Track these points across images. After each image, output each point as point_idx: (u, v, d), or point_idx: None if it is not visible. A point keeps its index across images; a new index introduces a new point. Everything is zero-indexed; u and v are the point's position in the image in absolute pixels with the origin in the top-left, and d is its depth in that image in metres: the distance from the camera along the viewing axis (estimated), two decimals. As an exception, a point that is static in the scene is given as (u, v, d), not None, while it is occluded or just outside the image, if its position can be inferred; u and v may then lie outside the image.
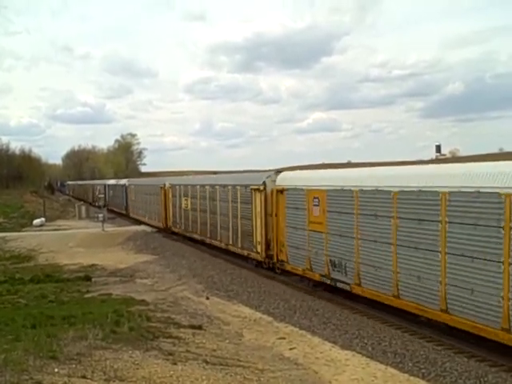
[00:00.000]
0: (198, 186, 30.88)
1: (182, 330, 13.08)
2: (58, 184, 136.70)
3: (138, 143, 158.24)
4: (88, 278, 22.07)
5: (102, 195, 60.15)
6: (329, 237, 17.14)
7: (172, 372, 9.26)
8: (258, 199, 22.04)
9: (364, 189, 15.25)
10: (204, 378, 9.26)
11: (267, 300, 17.94)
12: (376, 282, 14.86)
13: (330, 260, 17.08)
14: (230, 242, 25.57)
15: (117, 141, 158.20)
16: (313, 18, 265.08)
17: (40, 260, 29.00)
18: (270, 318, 15.56)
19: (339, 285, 16.76)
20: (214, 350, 11.47)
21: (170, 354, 10.44)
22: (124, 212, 53.91)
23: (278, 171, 22.10)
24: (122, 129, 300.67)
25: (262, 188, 21.73)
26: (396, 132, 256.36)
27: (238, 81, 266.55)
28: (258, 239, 22.19)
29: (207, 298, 18.05)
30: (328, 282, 17.40)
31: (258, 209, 22.10)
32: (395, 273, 14.00)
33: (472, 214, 11.52)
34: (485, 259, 11.22)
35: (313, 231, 18.09)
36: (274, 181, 21.15)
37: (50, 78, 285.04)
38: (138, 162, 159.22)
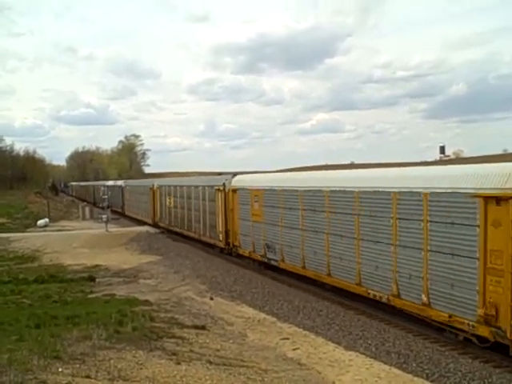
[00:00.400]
0: (178, 187, 35.76)
1: (185, 330, 13.08)
2: (62, 185, 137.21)
3: (142, 144, 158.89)
4: (92, 279, 22.10)
5: (106, 196, 60.18)
6: (265, 226, 22.04)
7: (176, 372, 9.26)
8: (220, 197, 26.87)
9: (286, 189, 20.40)
10: (207, 378, 9.26)
11: (271, 300, 17.93)
12: (292, 258, 19.84)
13: (266, 244, 21.96)
14: (202, 233, 30.44)
15: (120, 142, 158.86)
16: (316, 19, 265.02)
17: (44, 260, 29.05)
18: (274, 319, 15.55)
19: (272, 262, 21.61)
20: (218, 350, 11.47)
21: (174, 354, 10.43)
22: (120, 210, 57.24)
23: (235, 174, 26.90)
24: (125, 130, 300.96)
25: (222, 188, 26.48)
26: (399, 133, 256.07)
27: (241, 82, 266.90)
28: (220, 230, 27.06)
29: (211, 299, 18.05)
30: (265, 260, 22.22)
31: (220, 205, 26.94)
32: (302, 250, 19.00)
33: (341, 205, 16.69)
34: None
35: (254, 222, 23.08)
36: (231, 182, 25.92)
37: (54, 79, 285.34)
38: (142, 163, 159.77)
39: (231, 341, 12.64)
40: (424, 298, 13.17)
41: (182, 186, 35.06)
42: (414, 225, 13.46)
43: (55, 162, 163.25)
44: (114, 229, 40.91)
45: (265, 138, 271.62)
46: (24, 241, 36.32)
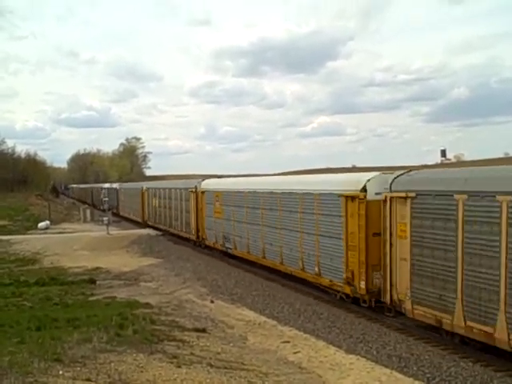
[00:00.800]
0: (162, 189, 41.26)
1: (186, 333, 13.07)
2: (62, 187, 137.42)
3: (143, 147, 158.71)
4: (92, 281, 22.09)
5: (107, 198, 60.30)
6: (223, 221, 27.26)
7: (176, 375, 9.26)
8: (192, 198, 32.09)
9: (236, 191, 25.72)
10: (208, 381, 9.25)
11: (271, 304, 17.93)
12: (241, 246, 25.00)
13: (224, 235, 27.13)
14: (180, 229, 35.57)
15: (121, 144, 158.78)
16: (317, 22, 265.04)
17: (45, 263, 29.02)
18: (275, 322, 15.54)
19: (228, 250, 26.70)
20: (219, 354, 11.46)
21: (175, 357, 10.43)
22: (115, 211, 59.92)
23: (204, 179, 32.70)
24: (126, 132, 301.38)
25: (194, 190, 31.78)
26: (400, 136, 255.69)
27: (242, 85, 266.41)
28: (193, 226, 32.26)
29: (212, 302, 18.04)
30: (224, 249, 27.30)
31: (193, 205, 32.15)
32: (247, 239, 24.16)
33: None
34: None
35: (216, 218, 28.30)
36: (200, 185, 31.16)
37: (56, 83, 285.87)
38: (143, 166, 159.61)
39: (232, 344, 12.63)
40: (316, 270, 18.32)
41: (164, 189, 40.58)
42: (310, 217, 18.67)
43: (56, 165, 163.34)
44: (114, 231, 40.90)
45: (266, 141, 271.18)
46: (25, 243, 36.33)
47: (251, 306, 17.79)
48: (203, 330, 13.48)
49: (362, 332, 14.39)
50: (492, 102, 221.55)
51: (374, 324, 15.02)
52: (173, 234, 37.45)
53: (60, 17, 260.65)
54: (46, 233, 43.39)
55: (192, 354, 11.06)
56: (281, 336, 13.96)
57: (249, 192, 24.06)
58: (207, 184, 30.78)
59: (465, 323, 11.87)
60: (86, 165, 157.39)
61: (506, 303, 10.80)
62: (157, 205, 41.92)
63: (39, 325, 13.06)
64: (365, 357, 12.36)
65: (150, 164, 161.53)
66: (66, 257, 30.56)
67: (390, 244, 14.56)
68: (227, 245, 26.67)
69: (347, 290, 16.49)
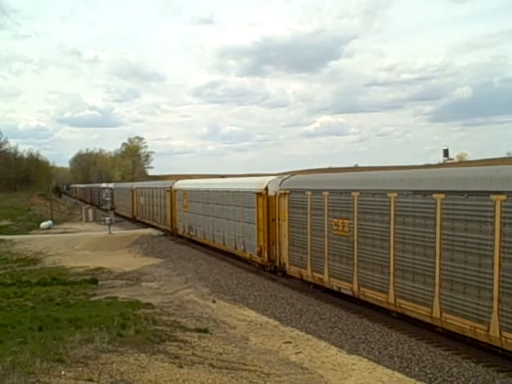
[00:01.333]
0: (146, 188, 47.52)
1: (188, 333, 13.08)
2: (64, 187, 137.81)
3: (146, 147, 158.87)
4: (94, 281, 22.13)
5: (109, 198, 60.42)
6: (189, 214, 33.52)
7: (178, 375, 9.27)
8: (168, 196, 37.93)
9: (196, 190, 32.50)
10: (210, 381, 9.26)
11: (273, 304, 17.92)
12: (199, 233, 31.42)
13: (189, 226, 33.63)
14: (159, 222, 41.26)
15: (124, 144, 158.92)
16: (321, 22, 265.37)
17: (47, 263, 29.09)
18: (276, 322, 15.54)
19: (192, 237, 33.07)
20: (220, 354, 11.47)
21: (176, 358, 10.44)
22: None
23: (177, 180, 39.51)
24: (129, 132, 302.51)
25: (169, 189, 37.97)
26: (403, 136, 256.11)
27: (245, 85, 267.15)
28: (168, 219, 38.09)
29: (213, 302, 18.05)
30: (189, 236, 33.76)
31: (168, 201, 37.94)
32: (203, 228, 30.51)
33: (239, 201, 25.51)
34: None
35: (184, 212, 34.52)
36: (174, 185, 37.45)
37: (59, 82, 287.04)
38: (146, 166, 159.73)
39: (233, 344, 12.64)
40: (242, 247, 24.71)
41: (147, 188, 47.33)
42: (239, 208, 24.99)
43: (59, 165, 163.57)
44: (116, 231, 40.96)
45: (269, 140, 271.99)
46: (27, 243, 36.41)
47: (253, 306, 17.79)
48: (205, 331, 13.49)
49: (364, 332, 14.37)
50: (495, 102, 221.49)
51: (375, 324, 15.00)
52: (154, 227, 42.84)
53: (63, 16, 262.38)
54: (48, 233, 43.49)
55: (194, 354, 11.07)
56: (283, 336, 13.96)
57: (204, 190, 30.84)
58: (178, 184, 37.39)
59: (312, 274, 18.51)
60: (88, 165, 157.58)
61: (311, 257, 18.59)
62: (143, 202, 48.04)
63: (41, 325, 13.09)
64: (367, 357, 12.35)
65: (152, 164, 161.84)
66: (68, 257, 30.63)
67: (279, 226, 21.11)
68: (191, 233, 33.34)
69: (259, 260, 22.93)
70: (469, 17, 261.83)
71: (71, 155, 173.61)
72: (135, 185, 54.74)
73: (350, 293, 16.38)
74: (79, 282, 22.12)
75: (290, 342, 13.32)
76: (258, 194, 22.60)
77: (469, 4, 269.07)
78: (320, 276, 17.92)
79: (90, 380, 8.46)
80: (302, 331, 14.57)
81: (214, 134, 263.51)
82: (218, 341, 12.72)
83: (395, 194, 14.13)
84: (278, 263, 21.30)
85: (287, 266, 20.23)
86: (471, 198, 11.63)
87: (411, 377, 11.14)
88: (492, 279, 11.06)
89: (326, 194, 17.54)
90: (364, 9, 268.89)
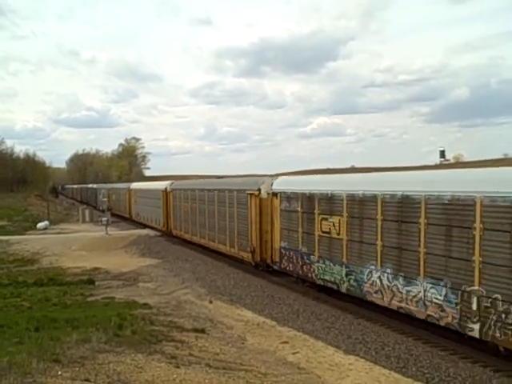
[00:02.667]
0: (140, 190, 50.30)
1: (184, 333, 13.07)
2: (60, 187, 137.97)
3: (143, 147, 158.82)
4: (91, 282, 22.09)
5: (106, 199, 60.45)
6: (142, 207, 44.52)
7: (175, 376, 9.25)
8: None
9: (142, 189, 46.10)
10: (207, 381, 9.25)
11: (270, 304, 17.92)
12: (148, 220, 42.14)
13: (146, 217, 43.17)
14: (149, 221, 44.48)
15: (121, 145, 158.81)
16: (318, 22, 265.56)
17: (43, 263, 29.02)
18: (273, 322, 15.54)
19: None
20: (217, 354, 11.46)
21: (173, 358, 10.42)
22: (95, 205, 71.85)
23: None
24: (126, 133, 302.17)
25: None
26: (400, 137, 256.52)
27: (243, 85, 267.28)
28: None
29: (210, 302, 18.03)
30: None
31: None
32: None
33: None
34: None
35: (142, 205, 45.23)
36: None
37: (56, 82, 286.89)
38: (142, 166, 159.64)
39: (230, 344, 12.63)
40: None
41: (141, 189, 50.00)
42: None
43: (56, 165, 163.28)
44: (113, 232, 40.92)
45: (266, 141, 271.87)
46: (24, 243, 36.34)
47: (250, 306, 17.79)
48: (202, 331, 13.47)
49: (361, 333, 14.39)
50: (492, 103, 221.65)
51: (372, 324, 15.02)
52: (148, 225, 44.99)
53: (61, 16, 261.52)
54: (45, 233, 43.41)
55: (191, 354, 11.05)
56: (280, 336, 13.95)
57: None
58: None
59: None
60: (85, 165, 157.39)
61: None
62: (138, 202, 50.83)
63: (38, 325, 13.04)
64: (364, 357, 12.37)
65: (149, 164, 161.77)
66: (64, 257, 30.57)
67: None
68: (145, 222, 43.85)
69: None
70: (466, 18, 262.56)
71: (68, 156, 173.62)
72: (132, 186, 56.80)
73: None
74: (76, 283, 22.07)
75: (287, 342, 13.32)
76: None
77: (467, 5, 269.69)
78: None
79: (87, 380, 8.44)
80: (299, 331, 14.58)
81: (211, 135, 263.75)
82: (215, 341, 12.71)
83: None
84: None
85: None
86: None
87: (408, 377, 11.16)
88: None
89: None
90: (362, 10, 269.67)
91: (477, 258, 11.46)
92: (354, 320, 15.61)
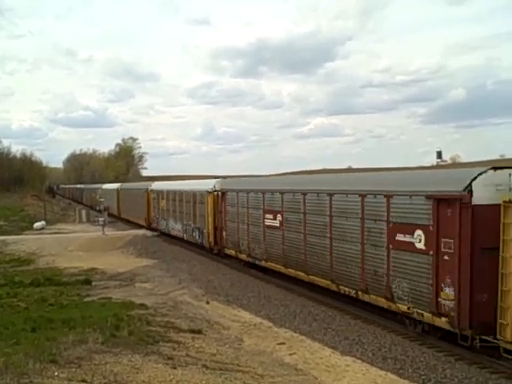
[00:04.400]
0: (128, 190, 53.62)
1: (181, 334, 13.07)
2: (55, 188, 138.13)
3: (140, 147, 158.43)
4: (88, 282, 22.05)
5: (103, 199, 60.39)
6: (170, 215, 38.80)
7: (172, 376, 9.26)
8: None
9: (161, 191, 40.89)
10: (204, 382, 9.26)
11: (267, 305, 17.93)
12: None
13: (155, 217, 41.97)
14: (136, 217, 47.32)
15: (117, 145, 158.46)
16: (316, 23, 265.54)
17: (40, 263, 28.97)
18: (270, 323, 15.54)
19: (162, 230, 39.20)
20: (214, 355, 11.46)
21: (170, 359, 10.43)
22: (81, 201, 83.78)
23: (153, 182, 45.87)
24: (123, 133, 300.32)
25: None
26: (397, 138, 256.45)
27: (240, 85, 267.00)
28: (145, 215, 43.57)
29: (207, 303, 18.03)
30: (155, 227, 41.44)
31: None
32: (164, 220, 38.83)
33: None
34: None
35: (171, 212, 39.36)
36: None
37: (53, 82, 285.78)
38: (139, 166, 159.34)
39: (227, 345, 12.63)
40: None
41: (129, 189, 53.08)
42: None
43: (52, 165, 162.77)
44: (110, 232, 40.86)
45: (263, 141, 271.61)
46: (20, 243, 36.25)
47: (247, 307, 17.79)
48: (199, 332, 13.48)
49: (358, 334, 14.40)
50: (489, 104, 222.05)
51: (369, 326, 15.03)
52: (134, 223, 48.66)
53: (59, 15, 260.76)
54: (41, 233, 43.29)
55: (187, 355, 11.06)
56: (276, 337, 13.95)
57: (169, 191, 37.32)
58: (155, 185, 44.10)
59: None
60: (81, 165, 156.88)
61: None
62: (126, 201, 52.77)
63: (34, 326, 13.03)
64: (360, 358, 12.38)
65: (146, 164, 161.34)
66: (61, 257, 30.51)
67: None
68: (157, 226, 41.20)
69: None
70: (464, 19, 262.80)
71: (65, 155, 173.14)
72: (121, 186, 59.28)
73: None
74: (73, 283, 22.03)
75: (283, 343, 13.32)
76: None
77: (464, 6, 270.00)
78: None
79: (84, 381, 8.44)
80: (295, 332, 14.58)
81: (208, 135, 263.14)
82: (212, 342, 12.71)
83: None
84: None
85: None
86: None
87: (405, 378, 11.17)
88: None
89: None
90: (360, 10, 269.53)
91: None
92: (350, 321, 15.62)
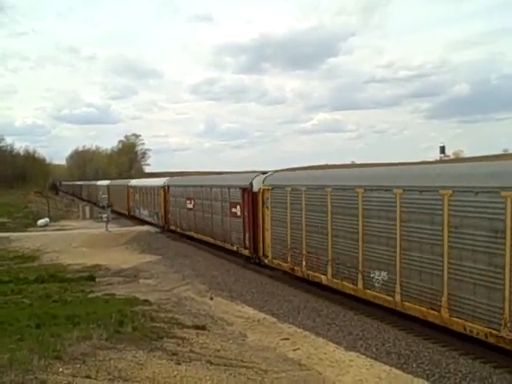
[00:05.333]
0: (115, 186, 60.59)
1: (185, 330, 13.08)
2: (57, 184, 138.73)
3: (142, 144, 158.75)
4: (92, 278, 22.10)
5: (106, 195, 60.51)
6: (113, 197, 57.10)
7: (176, 372, 9.26)
8: (126, 191, 49.17)
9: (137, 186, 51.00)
10: (208, 378, 9.25)
11: (271, 300, 17.94)
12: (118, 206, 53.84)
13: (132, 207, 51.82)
14: (121, 207, 54.98)
15: (120, 141, 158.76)
16: (319, 18, 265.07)
17: (44, 260, 29.06)
18: (274, 319, 15.55)
19: (142, 218, 46.60)
20: (218, 351, 11.47)
21: (174, 354, 10.43)
22: (80, 196, 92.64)
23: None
24: (126, 129, 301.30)
25: (126, 186, 52.45)
26: (400, 133, 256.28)
27: (243, 82, 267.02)
28: (126, 206, 52.88)
29: (211, 299, 18.05)
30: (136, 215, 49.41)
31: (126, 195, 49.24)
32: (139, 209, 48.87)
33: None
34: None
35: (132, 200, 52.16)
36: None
37: (56, 79, 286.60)
38: (142, 163, 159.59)
39: (231, 341, 12.64)
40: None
41: (139, 186, 53.26)
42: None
43: (56, 162, 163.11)
44: (113, 228, 40.92)
45: (266, 137, 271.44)
46: (24, 240, 36.34)
47: (250, 302, 17.81)
48: (202, 327, 13.49)
49: (362, 329, 14.41)
50: (492, 99, 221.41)
51: (373, 321, 15.03)
52: (120, 213, 55.19)
53: (61, 13, 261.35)
54: (45, 230, 43.38)
55: (191, 351, 11.06)
56: (280, 333, 13.96)
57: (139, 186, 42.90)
58: (133, 182, 49.36)
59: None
60: (85, 162, 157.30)
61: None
62: (138, 198, 53.72)
63: (39, 322, 13.05)
64: (364, 354, 12.37)
65: (149, 161, 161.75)
66: (65, 254, 30.59)
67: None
68: (138, 214, 48.75)
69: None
70: (467, 14, 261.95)
71: (68, 152, 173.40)
72: (132, 182, 59.55)
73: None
74: (76, 279, 22.08)
75: (287, 339, 13.33)
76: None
77: (467, 1, 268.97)
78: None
79: (88, 377, 8.45)
80: (299, 328, 14.58)
81: (211, 131, 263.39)
82: (216, 337, 12.72)
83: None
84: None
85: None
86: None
87: (408, 373, 11.17)
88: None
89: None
90: (362, 5, 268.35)
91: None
92: (354, 316, 15.62)
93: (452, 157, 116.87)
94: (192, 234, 32.50)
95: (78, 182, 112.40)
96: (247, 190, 23.56)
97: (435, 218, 12.46)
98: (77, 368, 8.81)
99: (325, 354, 12.17)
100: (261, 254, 22.46)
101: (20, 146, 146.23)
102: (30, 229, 45.00)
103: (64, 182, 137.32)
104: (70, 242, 34.87)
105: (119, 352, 10.06)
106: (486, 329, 11.22)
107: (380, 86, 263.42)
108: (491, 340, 11.19)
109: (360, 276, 15.42)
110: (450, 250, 12.08)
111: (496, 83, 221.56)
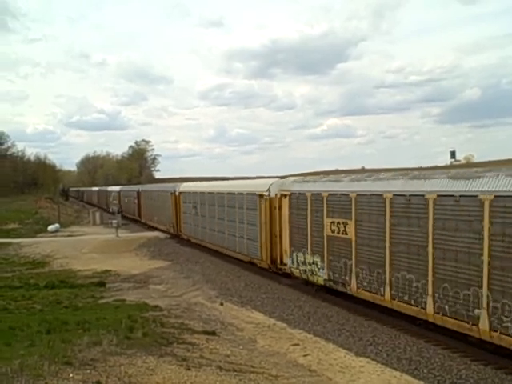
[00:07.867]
0: (131, 191, 60.82)
1: (195, 335, 13.08)
2: (66, 190, 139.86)
3: (152, 149, 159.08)
4: (102, 284, 22.18)
5: (116, 201, 60.79)
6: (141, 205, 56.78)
7: (186, 378, 9.27)
8: (117, 196, 58.71)
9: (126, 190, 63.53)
10: (218, 383, 9.25)
11: (281, 306, 17.90)
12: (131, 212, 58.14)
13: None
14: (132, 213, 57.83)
15: (131, 147, 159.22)
16: (329, 24, 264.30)
17: (54, 266, 29.20)
18: (284, 325, 15.51)
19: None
20: (228, 356, 11.46)
21: (184, 360, 10.43)
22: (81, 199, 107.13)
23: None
24: (136, 135, 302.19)
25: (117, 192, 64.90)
26: (411, 138, 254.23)
27: (253, 87, 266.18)
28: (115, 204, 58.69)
29: (221, 304, 18.04)
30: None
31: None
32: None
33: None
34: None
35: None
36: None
37: (66, 85, 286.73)
38: (152, 169, 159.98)
39: (241, 347, 12.62)
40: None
41: (134, 191, 58.72)
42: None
43: (66, 168, 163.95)
44: (123, 234, 41.06)
45: (276, 143, 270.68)
46: (35, 246, 36.55)
47: (260, 308, 17.78)
48: (213, 333, 13.48)
49: (372, 335, 14.33)
50: (503, 103, 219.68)
51: (384, 327, 14.96)
52: (138, 221, 55.22)
53: (72, 19, 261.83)
54: (55, 236, 43.63)
55: (201, 356, 11.06)
56: (290, 339, 13.93)
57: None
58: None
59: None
60: (95, 168, 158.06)
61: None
62: (142, 202, 55.08)
63: (49, 328, 13.11)
64: (375, 359, 12.31)
65: (159, 167, 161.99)
66: (75, 260, 30.71)
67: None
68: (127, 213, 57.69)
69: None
70: (477, 18, 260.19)
71: (79, 158, 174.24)
72: (142, 188, 60.74)
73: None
74: (87, 285, 22.17)
75: (297, 345, 13.29)
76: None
77: (477, 5, 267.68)
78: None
79: (98, 382, 8.46)
80: (309, 333, 14.54)
81: (220, 137, 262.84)
82: (226, 343, 12.71)
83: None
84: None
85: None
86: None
87: (420, 379, 11.10)
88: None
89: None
90: (373, 10, 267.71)
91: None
92: (364, 322, 15.55)
93: (463, 161, 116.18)
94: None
95: (82, 188, 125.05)
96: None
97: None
98: (87, 374, 8.83)
99: (335, 359, 12.13)
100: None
101: (31, 152, 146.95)
102: (40, 234, 45.26)
103: (71, 188, 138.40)
104: (81, 247, 35.03)
105: (129, 358, 10.08)
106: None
107: (390, 91, 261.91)
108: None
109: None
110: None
111: (507, 88, 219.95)
